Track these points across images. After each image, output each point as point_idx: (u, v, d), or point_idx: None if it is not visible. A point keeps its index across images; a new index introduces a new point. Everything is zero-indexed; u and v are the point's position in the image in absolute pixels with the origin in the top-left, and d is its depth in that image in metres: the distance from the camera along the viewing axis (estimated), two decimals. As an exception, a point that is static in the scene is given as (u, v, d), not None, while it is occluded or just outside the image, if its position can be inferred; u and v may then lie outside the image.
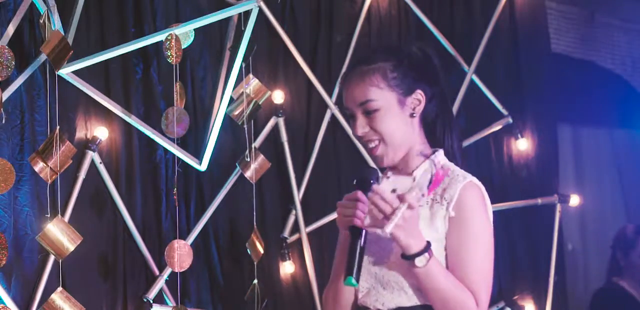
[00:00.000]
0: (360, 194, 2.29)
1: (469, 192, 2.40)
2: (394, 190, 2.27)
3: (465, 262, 2.36)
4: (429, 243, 2.31)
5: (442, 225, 2.39)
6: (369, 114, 2.42)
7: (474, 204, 2.40)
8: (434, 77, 2.49)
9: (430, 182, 2.36)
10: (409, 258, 2.30)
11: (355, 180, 2.35)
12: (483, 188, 2.45)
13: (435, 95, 2.49)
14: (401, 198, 2.25)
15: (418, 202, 2.28)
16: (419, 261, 2.29)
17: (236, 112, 3.80)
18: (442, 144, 2.54)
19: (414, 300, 2.39)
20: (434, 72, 2.50)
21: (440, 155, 2.50)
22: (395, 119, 2.42)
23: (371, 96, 2.41)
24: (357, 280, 2.26)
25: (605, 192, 7.00)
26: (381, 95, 2.41)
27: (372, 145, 2.45)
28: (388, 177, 2.31)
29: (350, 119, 2.47)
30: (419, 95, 2.46)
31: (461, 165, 2.53)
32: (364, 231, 2.29)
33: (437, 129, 2.53)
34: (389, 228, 2.23)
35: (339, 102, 4.45)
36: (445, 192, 2.40)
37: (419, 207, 2.31)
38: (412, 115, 2.45)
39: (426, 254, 2.28)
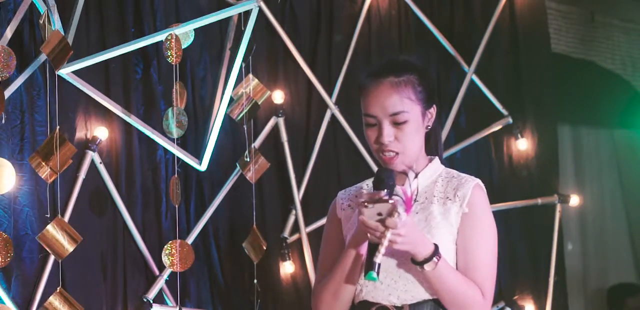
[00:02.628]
0: (382, 194, 2.36)
1: (479, 192, 2.53)
2: (379, 214, 2.34)
3: (474, 256, 2.48)
4: (436, 247, 2.41)
5: (456, 220, 2.50)
6: (398, 124, 2.49)
7: (484, 203, 2.53)
8: (436, 91, 2.62)
9: (404, 201, 2.40)
10: (419, 264, 2.40)
11: (373, 181, 2.43)
12: (485, 191, 2.58)
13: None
14: (383, 223, 2.32)
15: (407, 220, 2.34)
16: (428, 266, 2.39)
17: (236, 112, 3.80)
18: (434, 152, 2.64)
19: (431, 293, 2.46)
20: (435, 89, 2.59)
21: (437, 162, 2.61)
22: (417, 132, 2.52)
23: (405, 108, 2.48)
24: (378, 274, 2.33)
25: (605, 192, 7.00)
26: (412, 107, 2.50)
27: (390, 154, 2.51)
28: (366, 206, 2.34)
29: (373, 126, 2.51)
30: (433, 109, 2.57)
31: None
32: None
33: (430, 139, 2.62)
34: (378, 259, 2.32)
35: (339, 102, 4.45)
36: (457, 191, 2.51)
37: (412, 219, 2.39)
38: (427, 128, 2.56)
39: (434, 259, 2.39)
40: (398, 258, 2.44)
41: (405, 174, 2.51)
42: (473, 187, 2.51)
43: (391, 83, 2.49)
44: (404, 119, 2.47)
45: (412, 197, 2.38)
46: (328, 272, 2.54)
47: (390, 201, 2.32)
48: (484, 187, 2.55)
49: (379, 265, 2.32)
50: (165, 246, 3.51)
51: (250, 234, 3.81)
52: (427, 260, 2.38)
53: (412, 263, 2.41)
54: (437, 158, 2.61)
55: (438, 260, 2.38)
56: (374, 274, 2.31)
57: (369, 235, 2.35)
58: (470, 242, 2.48)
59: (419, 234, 2.38)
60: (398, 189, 2.38)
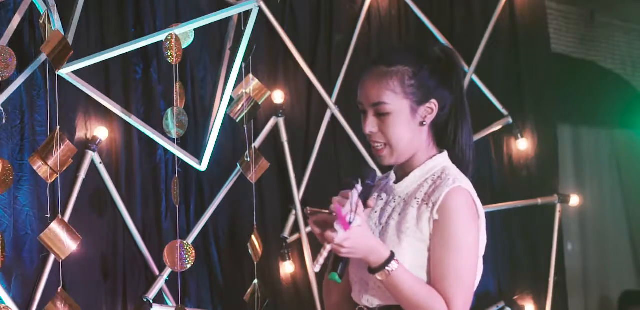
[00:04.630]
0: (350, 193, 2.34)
1: (454, 196, 2.40)
2: (326, 222, 2.34)
3: (443, 266, 2.38)
4: (391, 256, 2.34)
5: (427, 227, 2.41)
6: (381, 115, 2.44)
7: (458, 209, 2.39)
8: (454, 82, 2.49)
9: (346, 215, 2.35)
10: (372, 272, 2.36)
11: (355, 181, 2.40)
12: (473, 193, 2.44)
13: (450, 102, 2.49)
14: (322, 236, 2.31)
15: (351, 233, 2.30)
16: (379, 275, 2.35)
17: (236, 112, 3.80)
18: (450, 145, 2.54)
19: (395, 300, 2.43)
20: (456, 77, 2.49)
21: (439, 159, 2.51)
22: (404, 126, 2.44)
23: (385, 99, 2.43)
24: (341, 276, 2.32)
25: (605, 192, 7.01)
26: (395, 100, 2.43)
27: (377, 146, 2.47)
28: (309, 213, 2.36)
29: (362, 113, 2.49)
30: (433, 104, 2.46)
31: (473, 162, 2.55)
32: None
33: (448, 130, 2.52)
34: (316, 268, 2.30)
35: (339, 102, 4.45)
36: (432, 195, 2.42)
37: (361, 228, 2.33)
38: (422, 124, 2.47)
39: (386, 269, 2.33)
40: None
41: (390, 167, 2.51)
42: (448, 191, 2.38)
43: (379, 73, 2.44)
44: (385, 111, 2.42)
45: (347, 215, 2.30)
46: None
47: (334, 214, 2.30)
48: (467, 190, 2.41)
49: (343, 266, 2.32)
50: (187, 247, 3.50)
51: (253, 234, 3.81)
52: (378, 269, 2.33)
53: (368, 272, 2.37)
54: (443, 154, 2.50)
55: (391, 269, 2.32)
56: (337, 276, 2.31)
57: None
58: (439, 251, 2.38)
59: (369, 244, 2.32)
60: (332, 207, 2.32)
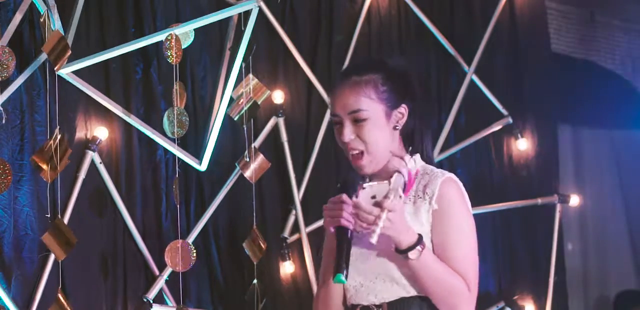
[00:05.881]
0: (344, 196, 2.39)
1: (448, 186, 2.51)
2: (373, 197, 2.37)
3: (451, 252, 2.46)
4: (420, 236, 2.41)
5: (427, 219, 2.49)
6: (358, 122, 2.53)
7: (454, 197, 2.51)
8: (413, 93, 2.60)
9: (405, 184, 2.44)
10: (403, 252, 2.40)
11: (339, 184, 2.46)
12: (461, 184, 2.55)
13: (415, 110, 2.60)
14: (379, 205, 2.36)
15: (397, 204, 2.37)
16: (412, 254, 2.39)
17: (236, 112, 3.80)
18: (419, 152, 2.64)
19: (409, 290, 2.47)
20: (413, 89, 2.61)
21: (416, 159, 2.60)
22: (380, 130, 2.53)
23: (362, 106, 2.51)
24: (346, 277, 2.33)
25: (605, 192, 7.00)
26: (371, 106, 2.52)
27: (355, 152, 2.55)
28: (364, 188, 2.40)
29: (337, 125, 2.57)
30: (403, 109, 2.57)
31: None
32: (349, 230, 2.38)
33: (414, 139, 2.63)
34: (373, 239, 2.33)
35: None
36: (426, 188, 2.51)
37: (403, 204, 2.42)
38: (395, 128, 2.57)
39: (419, 247, 2.39)
40: (374, 260, 2.46)
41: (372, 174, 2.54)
42: (441, 182, 2.49)
43: (352, 82, 2.53)
44: (363, 117, 2.50)
45: (413, 178, 2.39)
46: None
47: (390, 185, 2.34)
48: (457, 181, 2.53)
49: (347, 268, 2.32)
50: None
51: (250, 234, 3.82)
52: (411, 248, 2.38)
53: (396, 253, 2.40)
54: (417, 156, 2.60)
55: (422, 249, 2.39)
56: (342, 277, 2.31)
57: (356, 223, 2.35)
58: (447, 237, 2.47)
59: (405, 222, 2.40)
60: (403, 170, 2.42)
